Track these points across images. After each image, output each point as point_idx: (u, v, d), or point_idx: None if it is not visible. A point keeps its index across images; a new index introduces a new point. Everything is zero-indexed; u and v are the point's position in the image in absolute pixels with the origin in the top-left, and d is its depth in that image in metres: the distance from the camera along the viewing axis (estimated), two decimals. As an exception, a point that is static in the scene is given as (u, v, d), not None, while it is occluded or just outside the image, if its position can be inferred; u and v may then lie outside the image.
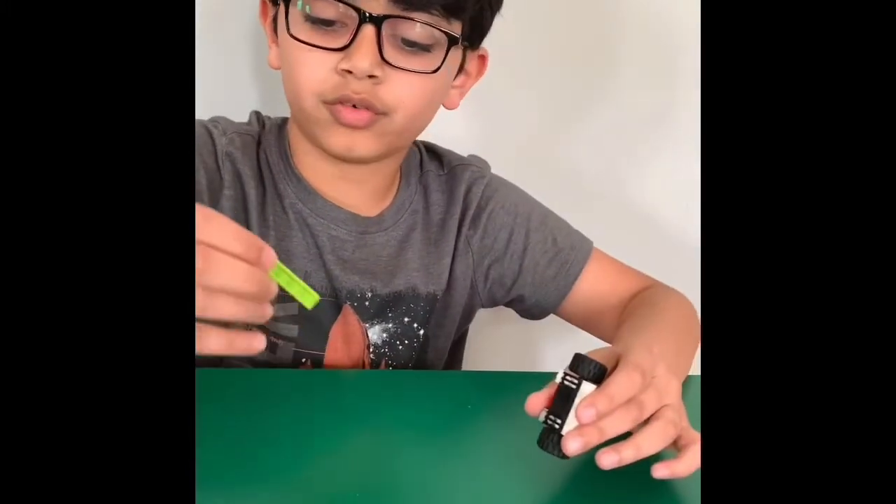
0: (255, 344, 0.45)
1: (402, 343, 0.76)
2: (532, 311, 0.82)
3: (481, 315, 0.86)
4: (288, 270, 0.47)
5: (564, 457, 0.51)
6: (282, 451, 0.54)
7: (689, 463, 0.52)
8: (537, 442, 0.52)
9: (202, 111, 0.78)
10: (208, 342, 0.43)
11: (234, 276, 0.42)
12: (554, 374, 0.62)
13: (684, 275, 0.84)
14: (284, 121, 0.77)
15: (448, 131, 0.82)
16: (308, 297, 0.48)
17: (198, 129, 0.72)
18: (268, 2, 0.71)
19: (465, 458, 0.57)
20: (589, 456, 0.51)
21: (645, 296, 0.78)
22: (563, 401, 0.51)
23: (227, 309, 0.43)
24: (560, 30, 0.96)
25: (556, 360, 0.74)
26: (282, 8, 0.66)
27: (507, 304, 0.83)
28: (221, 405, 0.58)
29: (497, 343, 1.00)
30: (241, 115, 0.78)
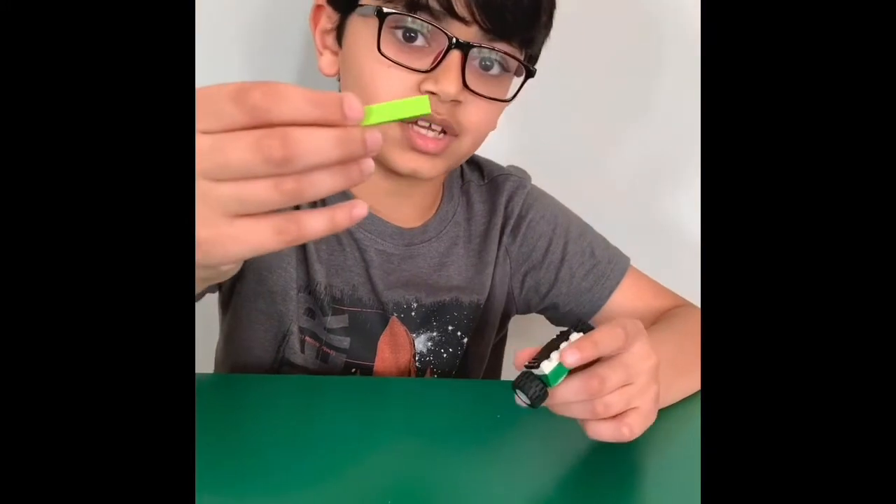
0: (357, 211, 0.39)
1: (446, 351, 0.79)
2: (564, 320, 0.84)
3: (517, 326, 0.88)
4: (380, 105, 0.39)
5: (532, 406, 0.51)
6: (299, 457, 0.54)
7: (612, 427, 0.53)
8: (512, 386, 0.51)
9: None
10: (310, 225, 0.38)
11: (321, 150, 0.36)
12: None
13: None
14: None
15: (485, 145, 0.84)
16: (418, 105, 0.40)
17: None
18: (328, 9, 0.71)
19: (489, 466, 0.57)
20: (606, 463, 0.54)
21: (672, 313, 0.79)
22: (547, 350, 0.51)
23: (326, 184, 0.37)
24: (598, 43, 0.97)
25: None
26: (356, 21, 0.67)
27: (541, 312, 0.85)
28: (234, 410, 0.59)
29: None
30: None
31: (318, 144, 0.36)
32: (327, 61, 0.73)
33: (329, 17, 0.71)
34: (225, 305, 0.79)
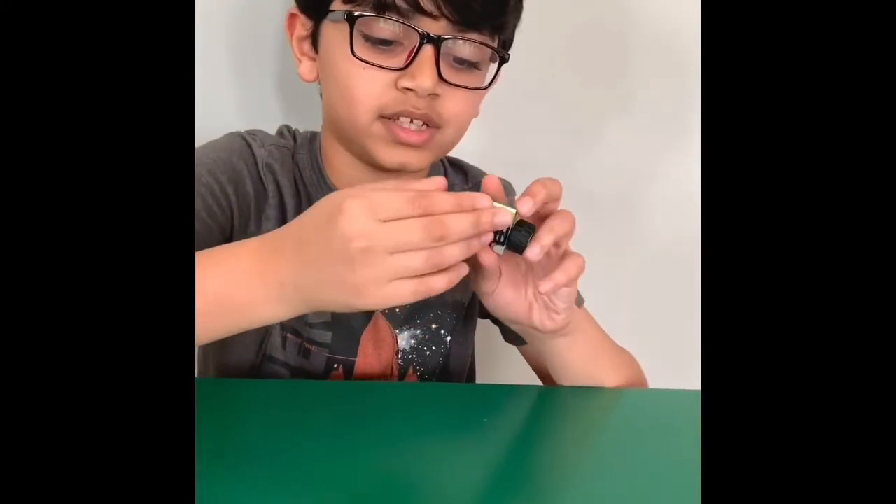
0: (462, 271, 0.55)
1: (429, 349, 0.79)
2: (508, 333, 0.82)
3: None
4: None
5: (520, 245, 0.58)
6: (289, 461, 0.54)
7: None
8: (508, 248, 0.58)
9: (228, 120, 0.82)
10: (436, 286, 0.53)
11: (464, 229, 0.52)
12: (571, 388, 0.66)
13: (695, 291, 0.87)
14: (314, 135, 0.79)
15: (461, 152, 0.85)
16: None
17: (237, 141, 0.75)
18: (301, 17, 0.73)
19: (479, 470, 0.57)
20: (601, 464, 0.55)
21: None
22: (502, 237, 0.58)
23: (456, 254, 0.53)
24: (573, 45, 0.99)
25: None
26: (328, 27, 0.69)
27: (494, 322, 0.83)
28: (230, 416, 0.59)
29: (514, 357, 0.99)
30: (264, 126, 0.80)
31: (462, 226, 0.52)
32: (306, 68, 0.74)
33: (303, 25, 0.73)
34: None
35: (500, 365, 0.92)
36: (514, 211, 0.56)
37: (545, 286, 0.60)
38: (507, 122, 0.96)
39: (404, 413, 0.64)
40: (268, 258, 0.55)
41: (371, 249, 0.51)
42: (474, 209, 0.54)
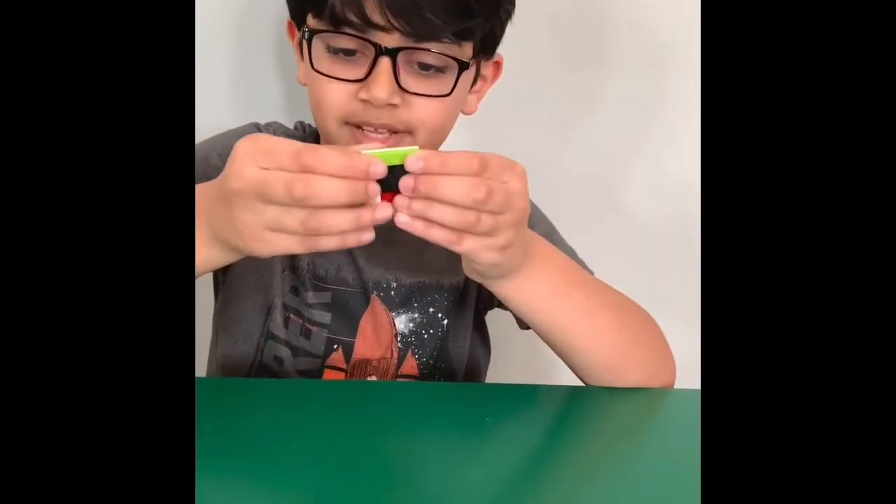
0: (364, 237, 0.52)
1: (427, 332, 0.80)
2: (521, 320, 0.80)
3: (500, 328, 0.87)
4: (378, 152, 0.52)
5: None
6: (295, 462, 0.54)
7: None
8: None
9: (232, 117, 0.84)
10: (326, 243, 0.52)
11: (333, 193, 0.49)
12: (571, 387, 0.66)
13: (679, 279, 0.87)
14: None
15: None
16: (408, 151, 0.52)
17: (251, 129, 0.79)
18: (294, 25, 0.75)
19: (480, 470, 0.57)
20: (603, 465, 0.56)
21: None
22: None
23: (337, 221, 0.50)
24: (552, 36, 0.98)
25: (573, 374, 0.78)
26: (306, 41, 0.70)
27: (502, 307, 0.82)
28: (230, 416, 0.59)
29: (516, 355, 1.02)
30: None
31: (330, 190, 0.50)
32: (301, 71, 0.76)
33: (297, 32, 0.75)
34: (218, 282, 0.82)
35: (502, 364, 0.93)
36: (414, 148, 0.52)
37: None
38: (494, 115, 0.92)
39: (405, 412, 0.63)
40: (202, 201, 0.54)
41: (242, 193, 0.51)
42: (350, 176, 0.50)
